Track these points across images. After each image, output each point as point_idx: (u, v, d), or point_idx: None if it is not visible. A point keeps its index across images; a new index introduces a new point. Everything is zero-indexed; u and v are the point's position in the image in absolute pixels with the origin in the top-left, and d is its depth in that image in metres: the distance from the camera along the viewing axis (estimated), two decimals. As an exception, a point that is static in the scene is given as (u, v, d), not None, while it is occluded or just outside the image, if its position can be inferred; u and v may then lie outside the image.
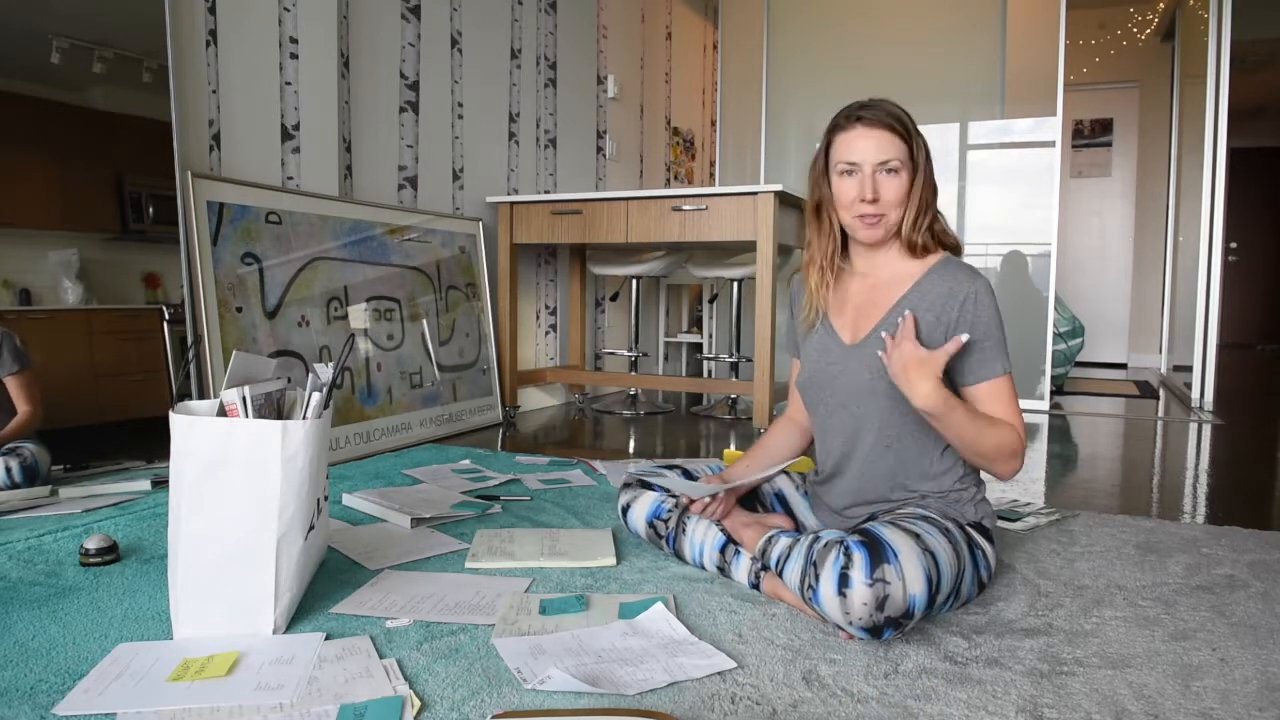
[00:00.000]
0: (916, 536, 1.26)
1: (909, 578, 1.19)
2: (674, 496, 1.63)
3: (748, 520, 1.54)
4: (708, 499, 1.53)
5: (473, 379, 3.36)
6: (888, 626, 1.19)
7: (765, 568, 1.42)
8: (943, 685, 1.13)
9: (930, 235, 1.45)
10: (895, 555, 1.20)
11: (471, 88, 3.54)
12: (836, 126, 1.45)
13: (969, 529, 1.42)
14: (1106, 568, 1.66)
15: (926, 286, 1.44)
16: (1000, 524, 1.93)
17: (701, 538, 1.56)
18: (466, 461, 2.62)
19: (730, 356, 3.97)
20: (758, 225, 3.07)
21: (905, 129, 1.41)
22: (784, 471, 1.69)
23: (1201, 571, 1.64)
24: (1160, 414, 4.02)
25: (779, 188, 3.04)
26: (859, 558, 1.19)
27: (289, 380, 1.52)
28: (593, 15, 4.46)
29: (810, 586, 1.23)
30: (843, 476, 1.52)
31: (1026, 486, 2.43)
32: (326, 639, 1.25)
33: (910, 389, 1.31)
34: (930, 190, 1.45)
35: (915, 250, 1.45)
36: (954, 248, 1.49)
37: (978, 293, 1.40)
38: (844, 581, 1.19)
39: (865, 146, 1.40)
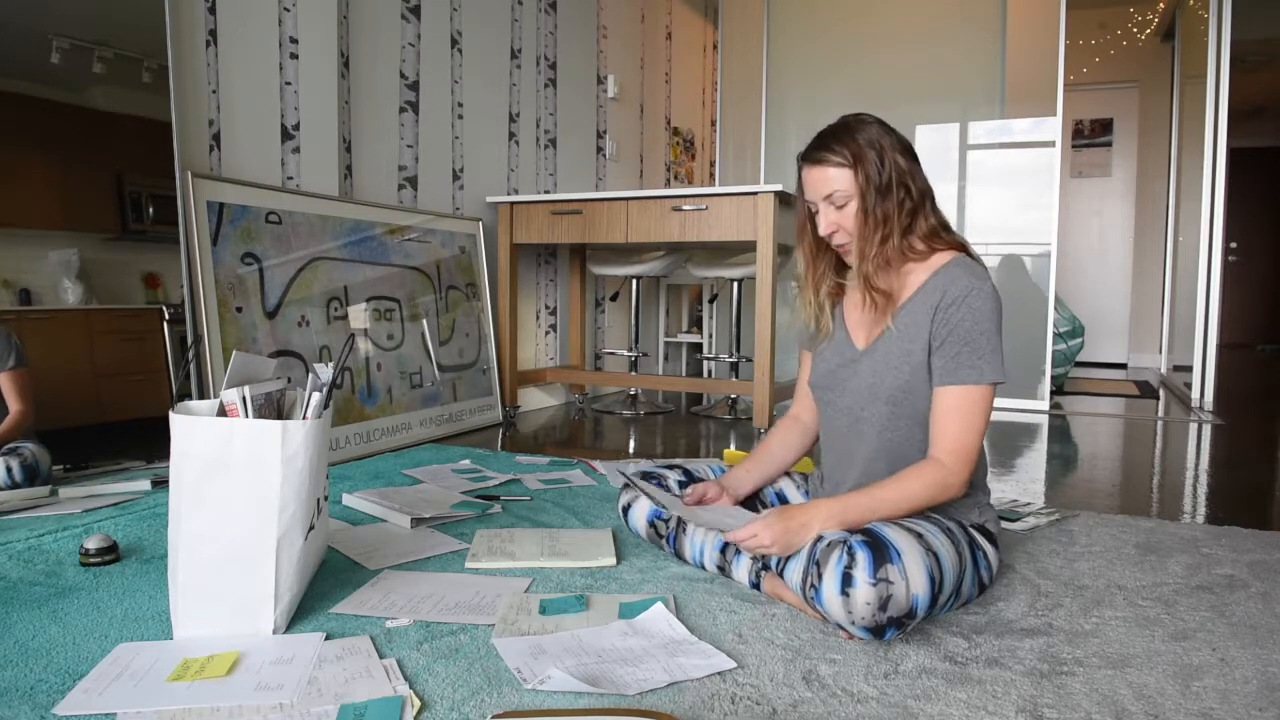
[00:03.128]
0: (919, 536, 1.26)
1: (912, 578, 1.19)
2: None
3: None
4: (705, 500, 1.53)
5: (473, 379, 3.36)
6: (890, 626, 1.19)
7: (765, 567, 1.42)
8: (943, 685, 1.13)
9: (911, 245, 1.42)
10: (899, 555, 1.20)
11: (471, 88, 3.54)
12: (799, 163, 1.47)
13: (971, 530, 1.42)
14: (1106, 568, 1.66)
15: (929, 289, 1.41)
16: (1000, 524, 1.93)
17: (702, 538, 1.56)
18: (466, 461, 2.62)
19: (730, 356, 3.97)
20: (758, 225, 3.07)
21: (847, 157, 1.37)
22: (785, 473, 1.69)
23: (1201, 571, 1.64)
24: (1160, 414, 4.02)
25: (779, 188, 3.04)
26: (862, 557, 1.19)
27: (289, 380, 1.52)
28: (593, 15, 4.46)
29: (813, 586, 1.23)
30: (846, 484, 1.51)
31: (1026, 486, 2.43)
32: (326, 639, 1.25)
33: (806, 538, 1.29)
34: (893, 207, 1.38)
35: (908, 257, 1.42)
36: (960, 245, 1.45)
37: (968, 295, 1.36)
38: (847, 581, 1.19)
39: (809, 184, 1.42)
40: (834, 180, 1.39)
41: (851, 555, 1.20)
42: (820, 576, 1.22)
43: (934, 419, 1.38)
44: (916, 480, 1.34)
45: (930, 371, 1.40)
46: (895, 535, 1.23)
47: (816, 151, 1.42)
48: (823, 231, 1.43)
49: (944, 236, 1.44)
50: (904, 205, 1.40)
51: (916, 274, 1.44)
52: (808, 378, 1.61)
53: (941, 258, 1.43)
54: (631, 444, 3.16)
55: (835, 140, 1.40)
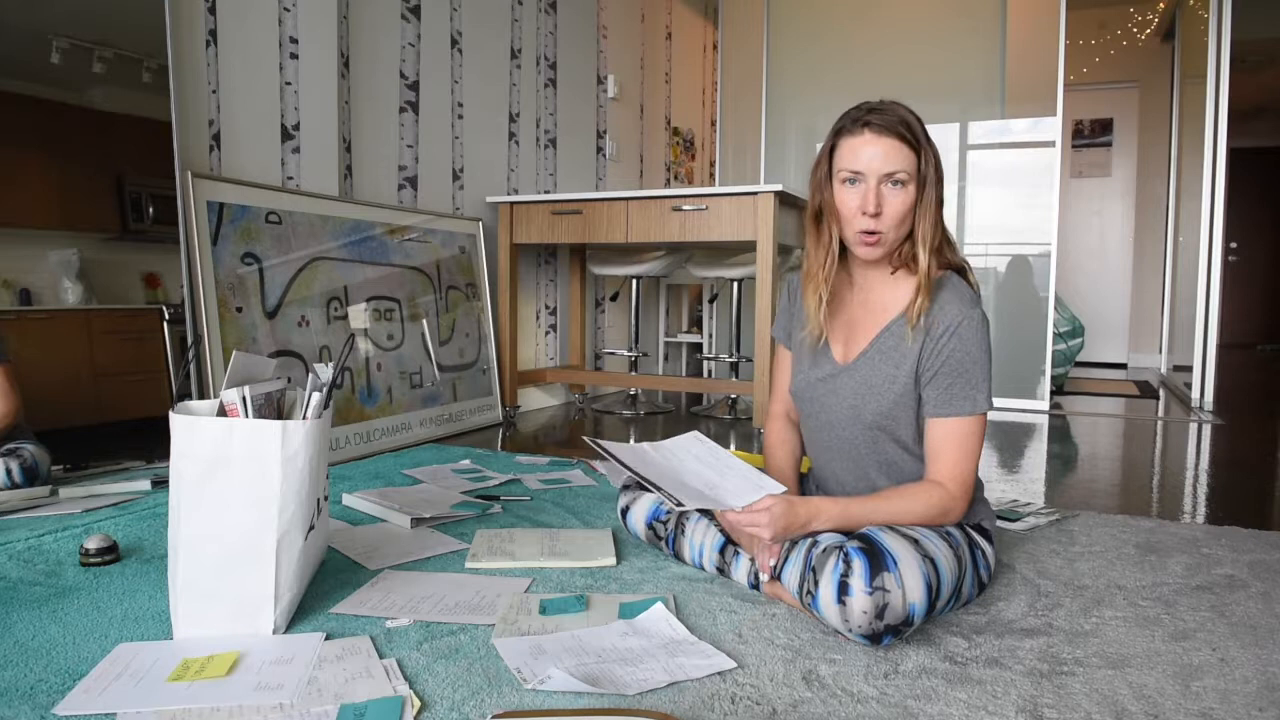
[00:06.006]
0: (915, 542, 1.26)
1: (909, 586, 1.19)
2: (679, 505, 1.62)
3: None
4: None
5: (473, 379, 3.36)
6: (887, 634, 1.19)
7: (765, 568, 1.42)
8: (943, 685, 1.13)
9: (933, 255, 1.35)
10: (895, 563, 1.19)
11: (471, 88, 3.54)
12: (842, 130, 1.34)
13: (969, 530, 1.42)
14: (1106, 568, 1.66)
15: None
16: (1000, 524, 1.93)
17: (701, 539, 1.56)
18: (466, 461, 2.62)
19: (730, 356, 3.97)
20: (758, 225, 3.07)
21: (915, 138, 1.31)
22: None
23: (1201, 571, 1.64)
24: (1160, 414, 4.01)
25: (779, 188, 3.04)
26: (858, 565, 1.19)
27: (289, 380, 1.52)
28: (593, 15, 4.46)
29: (809, 592, 1.23)
30: (836, 495, 1.51)
31: (1026, 486, 2.43)
32: (326, 639, 1.25)
33: (803, 533, 1.29)
34: (938, 206, 1.35)
35: (915, 269, 1.37)
36: (959, 269, 1.41)
37: (960, 325, 1.33)
38: (843, 589, 1.18)
39: (871, 154, 1.30)
40: (902, 158, 1.30)
41: (848, 563, 1.19)
42: (816, 583, 1.21)
43: (930, 448, 1.37)
44: (921, 502, 1.33)
45: (917, 399, 1.38)
46: (892, 542, 1.23)
47: (887, 118, 1.30)
48: (871, 208, 1.30)
49: (944, 254, 1.39)
50: (941, 211, 1.37)
51: (905, 288, 1.40)
52: (788, 384, 1.57)
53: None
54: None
55: (905, 116, 1.32)
